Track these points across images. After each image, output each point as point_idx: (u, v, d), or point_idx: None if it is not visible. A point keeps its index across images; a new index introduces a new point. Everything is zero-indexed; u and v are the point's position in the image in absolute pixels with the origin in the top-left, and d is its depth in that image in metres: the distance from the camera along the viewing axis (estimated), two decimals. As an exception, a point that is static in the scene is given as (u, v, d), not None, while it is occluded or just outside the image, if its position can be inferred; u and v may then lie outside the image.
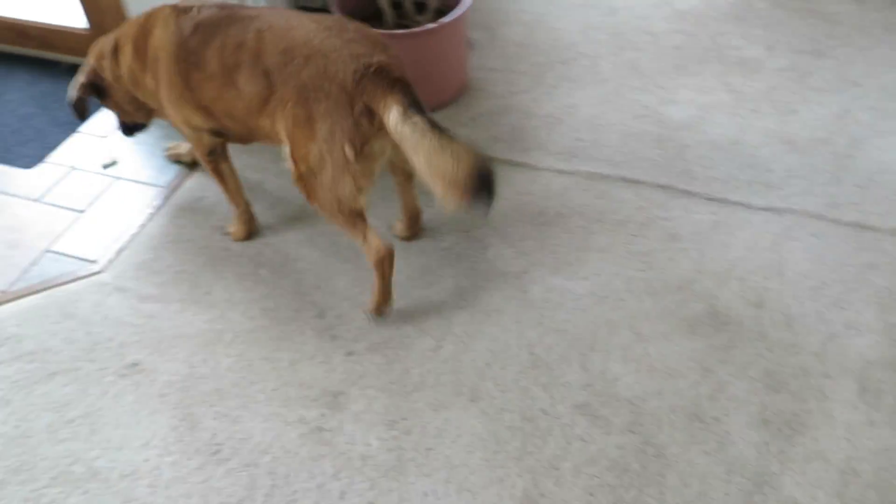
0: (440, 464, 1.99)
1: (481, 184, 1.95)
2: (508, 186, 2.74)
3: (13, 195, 2.86)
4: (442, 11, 3.08)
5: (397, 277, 2.36)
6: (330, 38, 2.11)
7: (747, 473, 1.94)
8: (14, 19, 3.41)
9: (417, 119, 1.99)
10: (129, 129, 2.79)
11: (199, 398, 2.17)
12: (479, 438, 2.04)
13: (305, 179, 2.19)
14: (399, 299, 2.38)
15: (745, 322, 2.27)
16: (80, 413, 2.15)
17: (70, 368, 2.26)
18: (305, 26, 2.15)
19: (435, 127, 1.99)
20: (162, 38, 2.31)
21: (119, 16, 3.07)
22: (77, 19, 3.30)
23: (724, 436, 2.02)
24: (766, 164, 2.80)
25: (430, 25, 2.93)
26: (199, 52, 2.25)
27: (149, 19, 2.38)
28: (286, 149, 2.20)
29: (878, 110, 3.02)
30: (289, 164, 2.21)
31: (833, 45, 3.37)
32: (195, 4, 2.32)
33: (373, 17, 3.12)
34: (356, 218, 2.21)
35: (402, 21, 3.07)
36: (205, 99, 2.31)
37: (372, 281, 2.30)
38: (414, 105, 2.02)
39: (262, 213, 2.67)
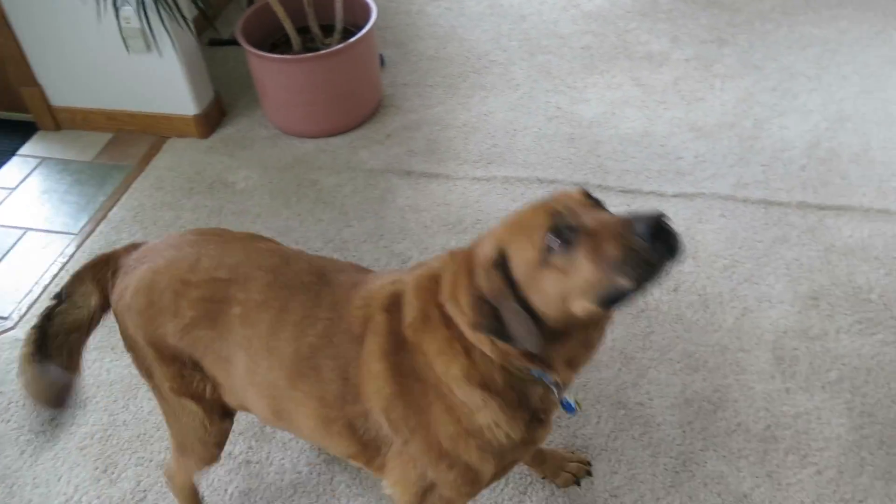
0: None
1: None
2: (426, 198, 2.74)
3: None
4: (349, 31, 3.08)
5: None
6: None
7: (672, 453, 1.95)
8: None
9: None
10: None
11: (122, 446, 2.12)
12: None
13: None
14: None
15: (663, 307, 2.29)
16: (-2, 473, 2.10)
17: (-13, 428, 2.20)
18: None
19: None
20: None
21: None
22: None
23: (649, 419, 2.03)
24: (676, 153, 2.84)
25: (338, 46, 2.93)
26: None
27: None
28: None
29: (779, 91, 3.09)
30: None
31: (735, 33, 3.45)
32: None
33: (281, 44, 3.12)
34: None
35: (310, 45, 3.07)
36: None
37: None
38: None
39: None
